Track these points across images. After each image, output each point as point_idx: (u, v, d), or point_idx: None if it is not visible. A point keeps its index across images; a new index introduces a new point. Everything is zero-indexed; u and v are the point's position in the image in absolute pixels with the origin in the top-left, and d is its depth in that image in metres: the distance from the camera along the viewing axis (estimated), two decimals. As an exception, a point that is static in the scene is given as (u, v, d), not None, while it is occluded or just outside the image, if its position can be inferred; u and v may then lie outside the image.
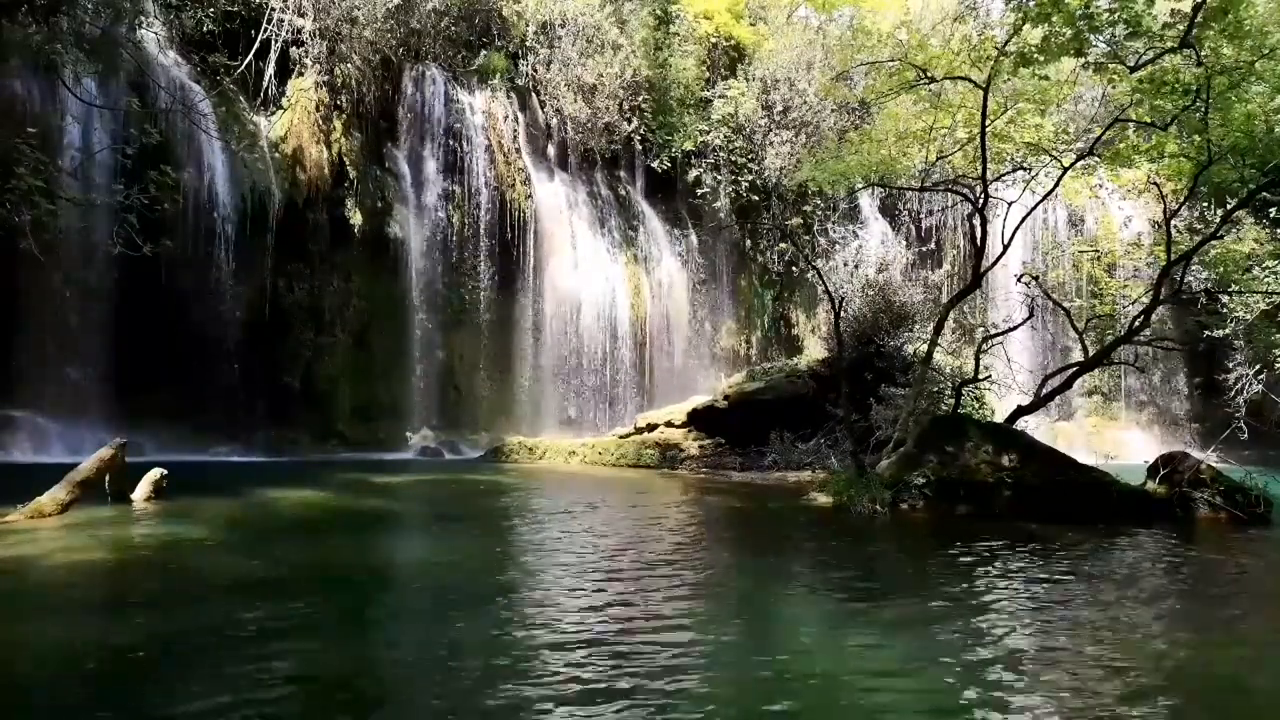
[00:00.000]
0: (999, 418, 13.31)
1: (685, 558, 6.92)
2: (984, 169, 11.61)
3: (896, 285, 17.87)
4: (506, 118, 21.92)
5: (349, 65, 19.14)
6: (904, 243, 24.92)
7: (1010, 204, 12.68)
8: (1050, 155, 12.64)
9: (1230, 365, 20.12)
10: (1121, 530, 8.44)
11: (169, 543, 6.89)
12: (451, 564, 6.54)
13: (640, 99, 23.28)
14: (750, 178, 24.40)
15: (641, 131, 23.53)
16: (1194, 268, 13.56)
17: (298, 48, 18.57)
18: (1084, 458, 11.40)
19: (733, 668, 3.97)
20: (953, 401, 12.88)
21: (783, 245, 24.89)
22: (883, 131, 14.64)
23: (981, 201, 12.05)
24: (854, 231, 23.26)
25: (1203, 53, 9.69)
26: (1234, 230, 15.46)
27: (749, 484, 13.17)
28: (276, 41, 18.13)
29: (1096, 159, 12.22)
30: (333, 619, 4.77)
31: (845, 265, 19.25)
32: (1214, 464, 10.96)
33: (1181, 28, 9.58)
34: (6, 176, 10.63)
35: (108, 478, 8.34)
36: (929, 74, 11.65)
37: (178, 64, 17.07)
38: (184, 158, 15.85)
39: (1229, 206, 11.72)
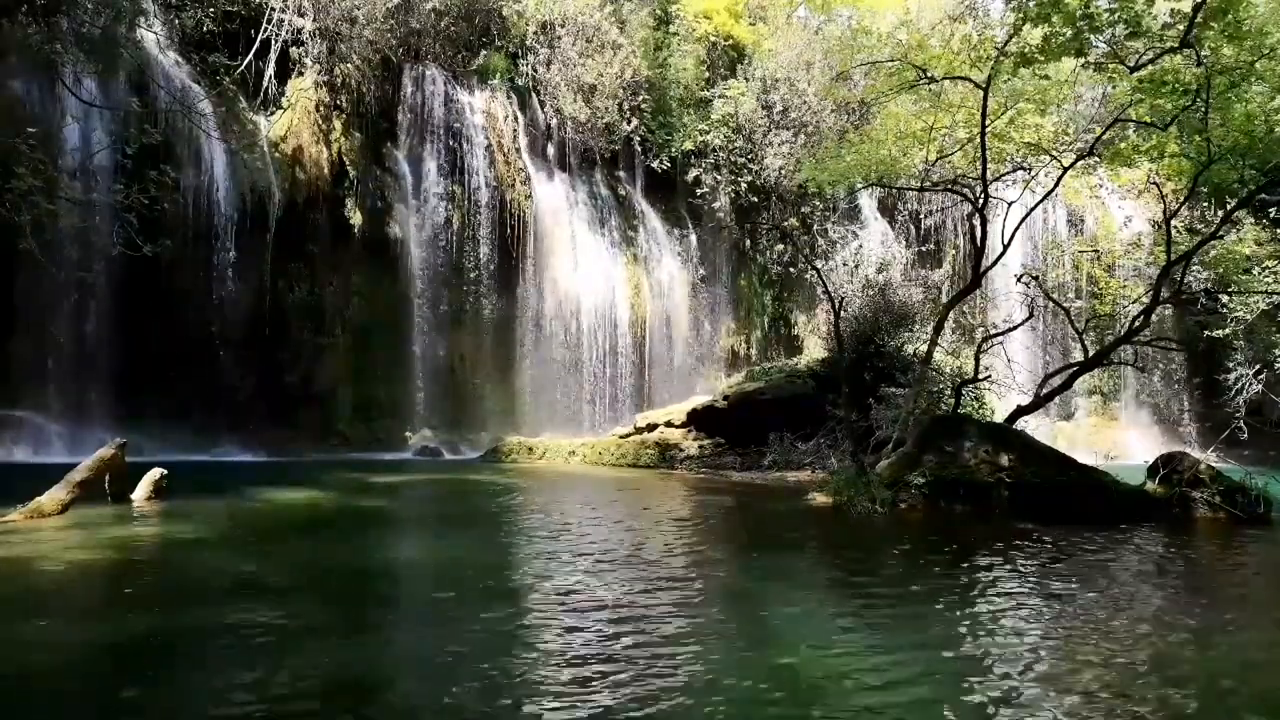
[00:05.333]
0: (999, 418, 13.29)
1: (684, 557, 6.92)
2: (984, 169, 11.60)
3: (896, 285, 17.87)
4: (506, 118, 21.92)
5: (349, 65, 19.14)
6: (904, 243, 24.93)
7: (1010, 204, 12.67)
8: (1050, 155, 12.63)
9: (1230, 365, 20.11)
10: (1120, 530, 8.44)
11: (169, 543, 6.90)
12: (451, 564, 6.54)
13: (640, 99, 23.28)
14: (750, 178, 24.39)
15: (641, 131, 23.53)
16: (1194, 268, 13.56)
17: (298, 48, 18.57)
18: (1084, 458, 11.40)
19: (732, 667, 3.97)
20: (953, 401, 12.87)
21: (782, 245, 24.88)
22: (883, 131, 14.63)
23: (981, 201, 12.05)
24: (854, 231, 23.28)
25: (1203, 53, 9.69)
26: (1234, 230, 15.45)
27: (748, 484, 13.17)
28: (276, 41, 18.13)
29: (1096, 159, 12.22)
30: (333, 619, 4.77)
31: (845, 265, 19.27)
32: (1214, 464, 10.96)
33: (1181, 28, 9.59)
34: (6, 176, 10.64)
35: (108, 478, 8.34)
36: (929, 74, 11.64)
37: (178, 64, 17.07)
38: (184, 158, 15.87)
39: (1229, 206, 11.73)
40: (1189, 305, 18.88)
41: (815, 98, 23.94)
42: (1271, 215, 17.48)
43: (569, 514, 9.53)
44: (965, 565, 6.68)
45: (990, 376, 13.30)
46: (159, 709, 3.38)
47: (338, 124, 19.14)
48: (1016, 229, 12.37)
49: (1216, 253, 14.66)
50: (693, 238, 24.88)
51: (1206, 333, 18.84)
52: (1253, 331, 17.79)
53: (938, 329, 12.48)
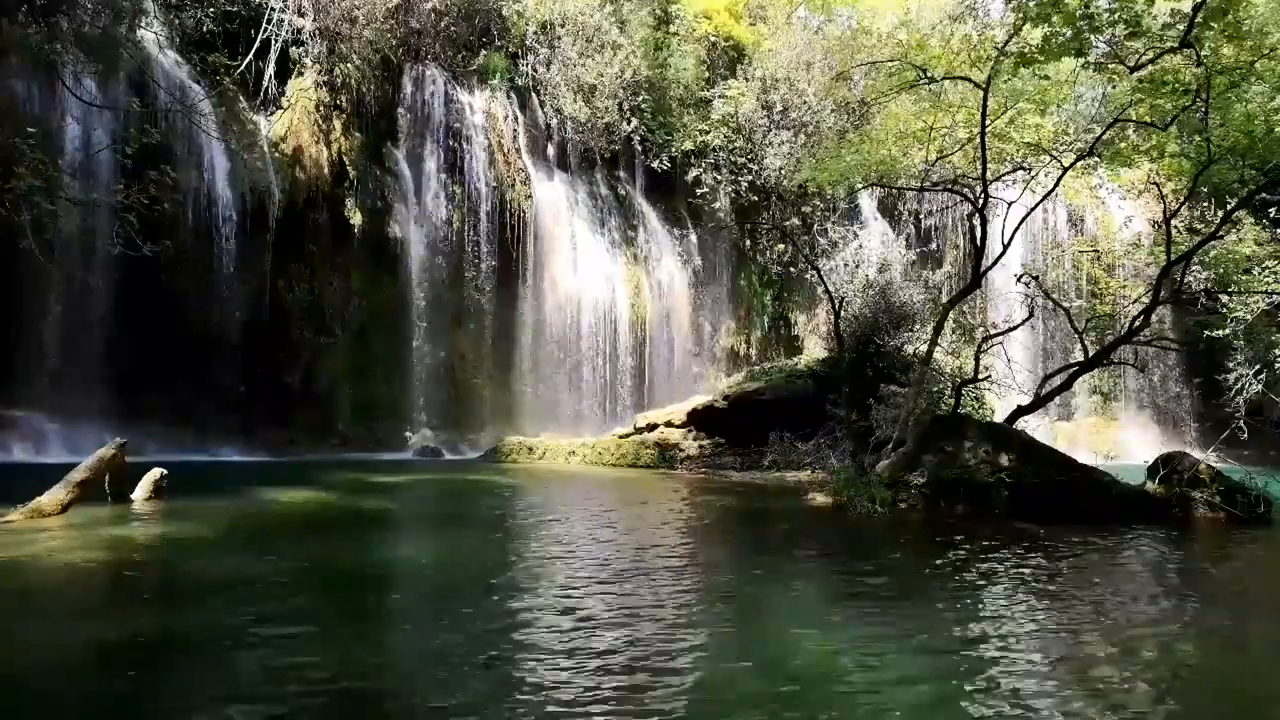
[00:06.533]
0: (999, 418, 13.30)
1: (684, 557, 6.92)
2: (984, 169, 11.60)
3: (896, 285, 17.84)
4: (506, 118, 21.92)
5: (349, 65, 19.14)
6: (904, 243, 24.89)
7: (1010, 204, 12.67)
8: (1050, 155, 12.63)
9: (1230, 365, 20.09)
10: (1120, 530, 8.44)
11: (169, 543, 6.90)
12: (451, 564, 6.54)
13: (640, 99, 23.28)
14: (750, 178, 24.39)
15: (641, 131, 23.53)
16: (1194, 268, 13.55)
17: (298, 48, 18.57)
18: (1084, 458, 11.41)
19: (732, 668, 3.98)
20: (952, 401, 12.87)
21: (782, 245, 24.88)
22: (883, 131, 14.62)
23: (981, 201, 12.05)
24: (854, 231, 23.24)
25: (1203, 53, 9.69)
26: (1234, 230, 15.43)
27: (748, 484, 13.17)
28: (276, 41, 18.12)
29: (1096, 159, 12.21)
30: (333, 619, 4.77)
31: (845, 265, 19.23)
32: (1214, 464, 10.96)
33: (1181, 28, 9.57)
34: (6, 176, 10.64)
35: (108, 478, 8.33)
36: (929, 74, 11.64)
37: (178, 64, 17.06)
38: (184, 158, 15.84)
39: (1229, 206, 11.72)
40: (1189, 305, 18.86)
41: (815, 98, 23.93)
42: (1271, 215, 17.47)
43: (569, 515, 9.53)
44: (965, 565, 6.67)
45: (990, 376, 13.30)
46: (159, 710, 3.37)
47: (338, 124, 19.13)
48: (1016, 229, 12.36)
49: (1216, 253, 14.63)
50: (693, 238, 24.88)
51: (1206, 333, 18.79)
52: (1253, 331, 17.73)
53: (938, 329, 12.48)
